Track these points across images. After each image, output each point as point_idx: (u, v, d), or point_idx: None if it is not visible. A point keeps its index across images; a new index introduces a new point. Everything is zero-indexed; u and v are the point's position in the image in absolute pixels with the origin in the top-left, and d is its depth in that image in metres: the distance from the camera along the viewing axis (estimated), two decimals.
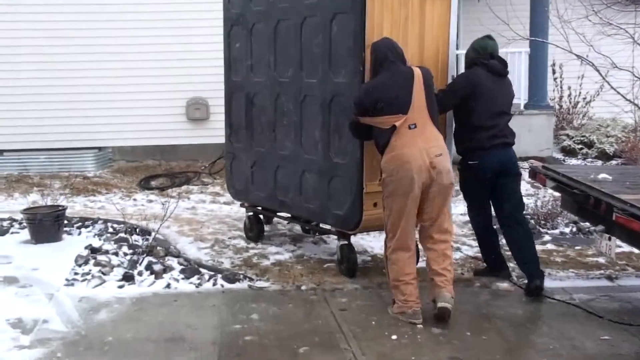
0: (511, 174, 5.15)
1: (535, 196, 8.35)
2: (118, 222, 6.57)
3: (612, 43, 7.79)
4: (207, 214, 7.82)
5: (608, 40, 7.77)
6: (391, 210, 4.46)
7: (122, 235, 5.93)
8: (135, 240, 5.77)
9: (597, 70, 7.50)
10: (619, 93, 7.51)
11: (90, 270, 5.02)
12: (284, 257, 5.78)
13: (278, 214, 6.10)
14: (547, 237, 6.62)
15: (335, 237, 5.47)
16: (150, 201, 8.69)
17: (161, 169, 10.03)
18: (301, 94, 5.32)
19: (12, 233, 6.26)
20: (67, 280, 4.90)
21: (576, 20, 7.81)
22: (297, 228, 6.67)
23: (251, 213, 6.20)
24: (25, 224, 6.06)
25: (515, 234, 5.11)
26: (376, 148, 4.62)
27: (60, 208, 6.05)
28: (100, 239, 5.91)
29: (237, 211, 7.89)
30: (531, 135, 10.70)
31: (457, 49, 11.30)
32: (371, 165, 4.82)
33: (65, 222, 6.40)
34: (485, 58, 5.06)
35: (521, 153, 10.77)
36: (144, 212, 7.73)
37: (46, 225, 5.86)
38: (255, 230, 6.18)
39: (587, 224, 7.04)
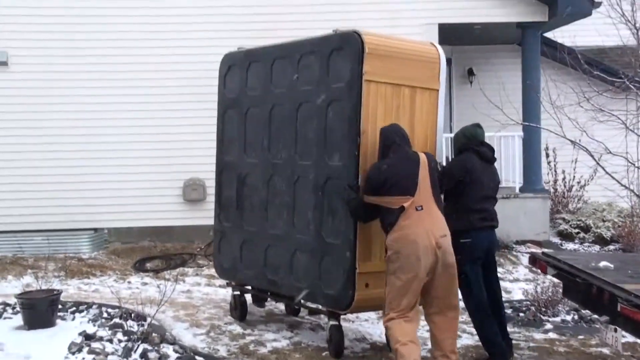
0: (493, 255, 5.59)
1: (534, 282, 8.29)
2: (113, 307, 6.45)
3: (605, 128, 7.92)
4: (203, 297, 7.71)
5: (601, 126, 7.91)
6: (393, 287, 4.64)
7: (117, 320, 5.81)
8: (131, 326, 5.65)
9: (591, 156, 7.60)
10: (613, 178, 7.58)
11: (84, 359, 4.88)
12: (282, 344, 5.67)
13: (265, 293, 6.16)
14: (548, 325, 6.52)
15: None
16: (145, 284, 8.59)
17: (157, 251, 9.95)
18: (294, 175, 5.49)
19: (4, 318, 6.13)
20: None
21: (568, 106, 7.97)
22: (294, 317, 6.57)
23: (237, 292, 6.27)
24: (18, 309, 5.93)
25: (504, 317, 5.52)
26: (381, 226, 4.82)
27: (54, 292, 5.94)
28: (94, 325, 5.78)
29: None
30: (527, 219, 10.73)
31: (450, 132, 11.46)
32: (364, 246, 4.99)
33: (60, 306, 6.28)
34: (476, 145, 5.40)
35: (518, 236, 10.81)
36: (139, 296, 7.59)
37: (40, 311, 5.74)
38: (239, 309, 6.26)
39: (589, 312, 6.98)
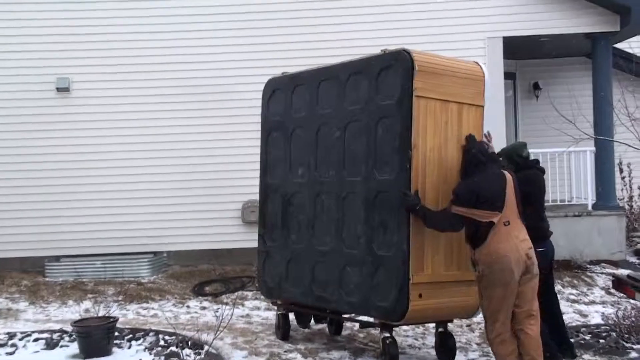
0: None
1: (614, 305, 7.74)
2: (170, 334, 6.29)
3: None
4: (262, 322, 7.48)
5: None
6: (491, 299, 4.88)
7: (173, 349, 5.63)
8: (187, 355, 5.46)
9: None
10: None
11: None
12: None
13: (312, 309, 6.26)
14: (633, 354, 6.00)
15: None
16: (204, 308, 8.44)
17: (216, 274, 9.81)
18: (343, 191, 5.63)
19: (61, 346, 6.03)
20: None
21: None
22: (356, 342, 6.28)
23: (282, 312, 6.36)
24: (75, 337, 5.82)
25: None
26: (468, 240, 5.04)
27: (111, 320, 5.81)
28: (150, 353, 5.62)
29: (292, 320, 7.54)
30: (601, 237, 10.15)
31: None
32: (417, 257, 5.09)
33: (116, 333, 6.16)
34: (532, 162, 5.85)
35: (591, 256, 10.22)
36: (197, 321, 7.47)
37: (96, 339, 5.62)
38: (282, 329, 6.34)
39: None
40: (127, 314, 8.08)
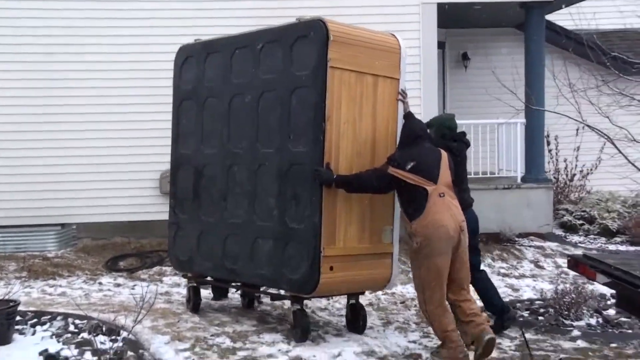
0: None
1: (545, 280, 7.62)
2: (81, 318, 5.61)
3: (624, 114, 7.26)
4: (184, 301, 6.88)
5: (619, 111, 7.25)
6: (428, 270, 4.91)
7: (85, 335, 4.98)
8: (102, 342, 4.82)
9: (613, 144, 6.90)
10: (637, 167, 6.89)
11: None
12: None
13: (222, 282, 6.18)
14: (575, 332, 5.82)
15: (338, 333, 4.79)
16: (118, 285, 7.76)
17: (131, 248, 9.09)
18: (256, 163, 5.49)
19: None
20: None
21: (584, 90, 7.28)
22: (288, 324, 5.81)
23: (194, 284, 6.18)
24: None
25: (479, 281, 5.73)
26: (405, 214, 5.07)
27: (11, 304, 5.07)
28: (58, 341, 4.94)
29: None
30: (530, 210, 10.09)
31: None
32: (329, 230, 5.04)
33: (18, 317, 5.43)
34: (459, 135, 5.84)
35: (520, 229, 10.12)
36: (111, 300, 6.80)
37: None
38: (192, 302, 6.17)
39: (613, 313, 6.32)
40: (31, 293, 7.29)
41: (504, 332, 5.71)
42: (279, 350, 5.10)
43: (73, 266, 8.35)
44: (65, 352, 4.59)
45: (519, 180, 10.30)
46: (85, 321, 5.47)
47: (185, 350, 5.00)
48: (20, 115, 9.20)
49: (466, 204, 5.50)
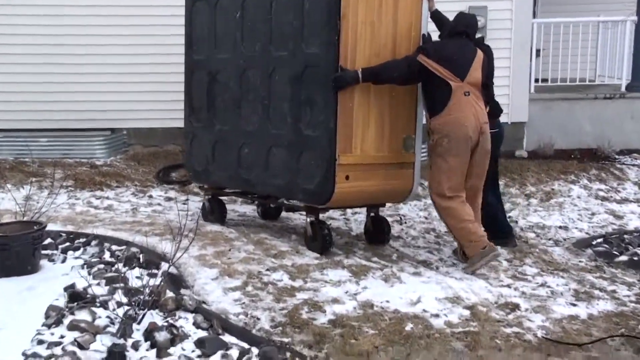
0: None
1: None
2: (119, 242, 4.91)
3: None
4: (238, 221, 6.16)
5: None
6: (441, 169, 4.79)
7: (120, 267, 4.26)
8: (138, 277, 4.08)
9: None
10: None
11: (62, 338, 3.34)
12: (346, 307, 4.05)
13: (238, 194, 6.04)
14: None
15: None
16: (169, 199, 7.09)
17: (184, 157, 8.36)
18: (270, 67, 5.20)
19: None
20: (25, 356, 3.23)
21: None
22: (358, 257, 4.99)
23: (210, 196, 5.99)
24: None
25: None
26: (427, 109, 4.94)
27: (36, 227, 4.38)
28: (90, 272, 4.24)
29: (281, 217, 6.28)
30: (634, 124, 8.82)
31: (534, 17, 9.40)
32: (345, 137, 4.77)
33: (49, 240, 4.78)
34: (479, 39, 5.46)
35: (621, 144, 8.87)
36: (159, 218, 6.10)
37: (16, 253, 4.21)
38: (216, 214, 5.93)
39: None
40: (75, 205, 6.69)
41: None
42: (346, 292, 4.28)
43: (122, 176, 7.70)
44: (94, 289, 3.86)
45: (623, 89, 8.96)
46: (123, 247, 4.78)
47: (235, 289, 4.22)
48: (71, 17, 8.37)
49: (497, 112, 5.32)
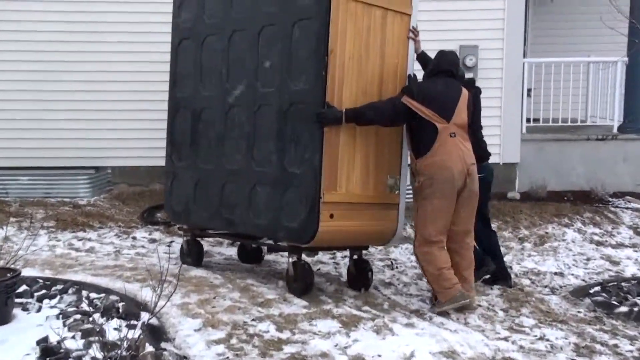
0: None
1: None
2: (98, 290, 4.69)
3: None
4: (224, 265, 5.96)
5: None
6: (426, 212, 4.71)
7: (97, 317, 4.03)
8: (116, 328, 3.86)
9: None
10: None
11: None
12: None
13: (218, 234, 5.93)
14: None
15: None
16: (153, 240, 6.88)
17: None
18: (255, 104, 5.14)
19: None
20: None
21: None
22: (348, 306, 4.78)
23: (189, 237, 5.85)
24: None
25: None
26: (412, 151, 4.87)
27: (9, 275, 4.15)
28: (65, 324, 4.00)
29: (268, 261, 6.09)
30: (627, 166, 8.74)
31: (524, 56, 9.38)
32: (330, 175, 4.71)
33: (24, 287, 4.55)
34: (468, 80, 5.51)
35: (614, 187, 8.79)
36: (142, 261, 5.88)
37: None
38: (194, 255, 5.83)
39: None
40: (56, 247, 6.48)
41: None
42: (336, 345, 4.06)
43: (106, 216, 7.49)
44: (69, 343, 3.64)
45: (615, 130, 8.90)
46: (102, 295, 4.55)
47: (219, 342, 3.98)
48: (56, 53, 8.24)
49: (485, 156, 5.28)
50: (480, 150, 5.20)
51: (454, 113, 4.72)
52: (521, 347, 4.21)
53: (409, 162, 4.99)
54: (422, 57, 5.25)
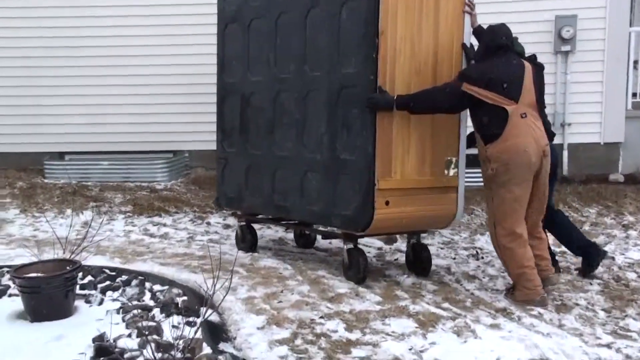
0: None
1: None
2: (162, 282, 4.51)
3: None
4: (294, 253, 5.69)
5: None
6: (504, 200, 4.41)
7: (158, 314, 3.82)
8: (175, 326, 3.62)
9: None
10: None
11: None
12: None
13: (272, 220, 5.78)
14: None
15: None
16: (227, 226, 6.72)
17: None
18: (305, 89, 4.98)
19: (9, 295, 4.33)
20: None
21: None
22: (426, 302, 4.37)
23: (244, 223, 5.76)
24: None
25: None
26: (481, 137, 4.50)
27: (70, 266, 4.01)
28: (124, 320, 3.83)
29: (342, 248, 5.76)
30: None
31: (630, 25, 8.57)
32: (384, 161, 4.54)
33: (89, 278, 4.43)
34: (531, 57, 4.80)
35: None
36: (215, 248, 5.69)
37: (47, 296, 3.87)
38: (247, 242, 5.74)
39: None
40: (131, 233, 6.42)
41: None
42: (410, 348, 3.68)
43: (182, 201, 7.39)
44: (125, 342, 3.45)
45: None
46: (166, 287, 4.36)
47: (282, 342, 3.69)
48: (141, 32, 8.21)
49: (550, 137, 4.75)
50: (545, 129, 4.72)
51: (521, 92, 4.39)
52: (628, 356, 3.67)
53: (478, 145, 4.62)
54: (478, 32, 4.80)
